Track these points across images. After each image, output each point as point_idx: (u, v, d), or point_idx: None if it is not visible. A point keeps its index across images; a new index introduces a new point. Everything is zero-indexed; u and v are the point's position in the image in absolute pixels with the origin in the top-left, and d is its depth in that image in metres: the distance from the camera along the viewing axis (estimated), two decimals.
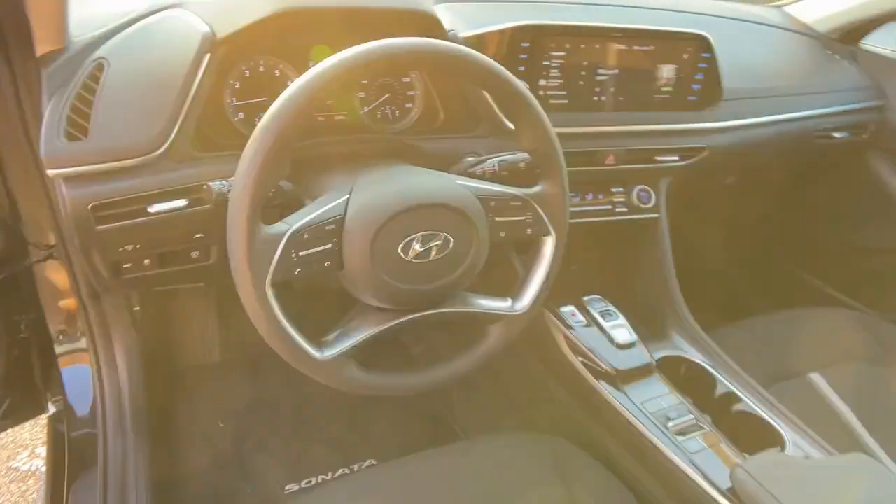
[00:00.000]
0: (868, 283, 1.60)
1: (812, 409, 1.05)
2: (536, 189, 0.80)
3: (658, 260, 1.23)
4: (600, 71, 1.06)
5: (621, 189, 1.20)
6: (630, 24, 1.04)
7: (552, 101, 1.05)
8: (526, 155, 0.88)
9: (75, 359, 1.17)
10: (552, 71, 1.02)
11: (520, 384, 1.25)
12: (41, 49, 0.80)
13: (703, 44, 1.09)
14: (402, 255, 0.71)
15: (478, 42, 0.98)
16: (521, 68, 1.00)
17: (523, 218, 0.79)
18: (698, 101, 1.15)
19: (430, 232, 0.71)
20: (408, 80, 1.04)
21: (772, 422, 0.96)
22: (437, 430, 1.41)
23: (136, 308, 1.17)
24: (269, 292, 0.67)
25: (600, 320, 1.07)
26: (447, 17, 0.99)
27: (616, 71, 1.06)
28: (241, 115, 0.95)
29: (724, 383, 1.05)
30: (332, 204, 0.70)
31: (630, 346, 1.03)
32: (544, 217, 0.80)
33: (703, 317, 1.27)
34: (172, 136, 0.79)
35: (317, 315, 0.80)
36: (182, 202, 0.80)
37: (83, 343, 1.15)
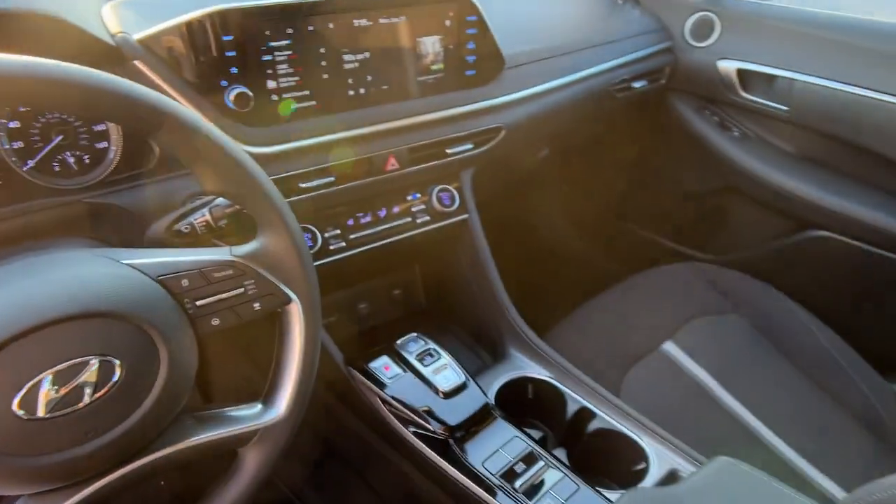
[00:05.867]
0: (696, 228, 1.55)
1: (671, 383, 1.02)
2: (252, 247, 0.55)
3: (478, 267, 1.04)
4: (347, 57, 0.83)
5: (418, 195, 0.99)
6: None
7: (296, 107, 0.81)
8: None
9: None
10: (280, 66, 0.77)
11: (363, 459, 1.00)
12: None
13: (465, 6, 0.90)
14: (23, 415, 0.43)
15: (156, 42, 0.70)
16: (234, 70, 0.74)
17: (241, 290, 0.54)
18: (478, 76, 0.96)
19: (70, 363, 0.44)
20: None
21: (631, 435, 0.84)
22: None
23: None
24: None
25: (419, 366, 0.84)
26: (118, 16, 0.71)
27: (367, 54, 0.84)
28: None
29: (575, 398, 0.89)
30: None
31: (459, 390, 0.82)
32: (274, 280, 0.55)
33: (546, 316, 1.11)
34: None
35: None
36: None
37: None
